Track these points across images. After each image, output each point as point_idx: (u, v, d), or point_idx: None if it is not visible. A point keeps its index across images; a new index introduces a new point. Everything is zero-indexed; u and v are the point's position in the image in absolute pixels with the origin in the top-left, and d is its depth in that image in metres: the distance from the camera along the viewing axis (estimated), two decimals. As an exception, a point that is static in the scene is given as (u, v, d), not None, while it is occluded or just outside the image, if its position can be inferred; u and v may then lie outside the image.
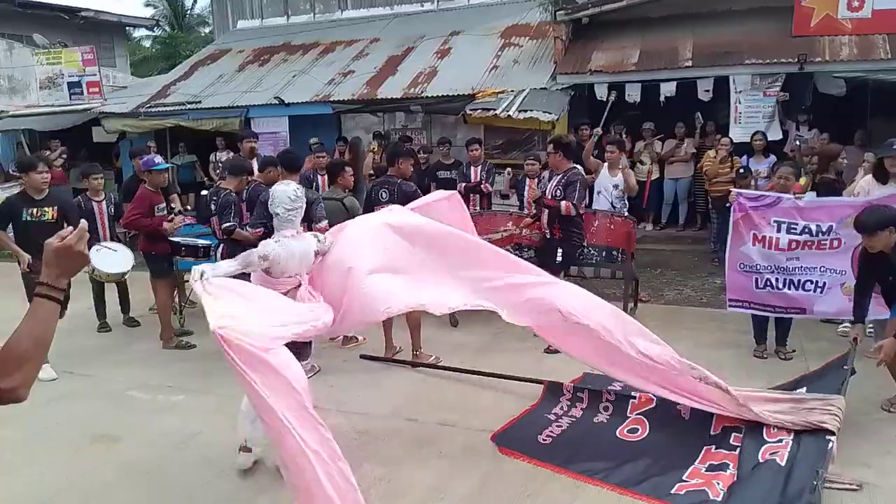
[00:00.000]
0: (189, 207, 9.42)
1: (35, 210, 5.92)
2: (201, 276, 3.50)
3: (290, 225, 4.10)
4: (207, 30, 26.33)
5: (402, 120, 11.52)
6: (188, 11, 29.90)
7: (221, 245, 6.13)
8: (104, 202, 7.03)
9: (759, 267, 5.54)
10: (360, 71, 11.98)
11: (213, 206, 6.17)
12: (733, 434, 4.04)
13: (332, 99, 11.24)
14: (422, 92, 10.72)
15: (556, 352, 5.87)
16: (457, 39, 12.19)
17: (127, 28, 22.71)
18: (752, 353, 5.79)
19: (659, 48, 9.99)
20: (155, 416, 5.04)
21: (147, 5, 28.51)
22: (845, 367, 4.29)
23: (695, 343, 5.91)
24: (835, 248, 5.30)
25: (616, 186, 7.25)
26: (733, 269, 5.66)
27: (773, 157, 8.20)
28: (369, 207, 6.08)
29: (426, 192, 8.72)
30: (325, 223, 5.51)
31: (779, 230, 5.42)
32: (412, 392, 5.36)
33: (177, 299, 7.16)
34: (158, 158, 6.82)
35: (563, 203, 6.12)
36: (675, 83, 9.43)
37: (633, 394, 4.51)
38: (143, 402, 5.33)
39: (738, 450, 3.90)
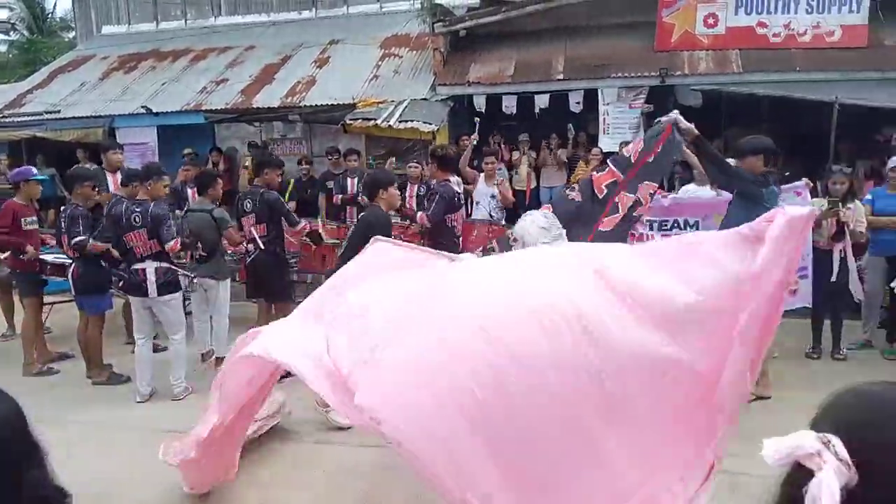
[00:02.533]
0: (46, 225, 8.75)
1: None
2: None
3: None
4: (72, 34, 24.71)
5: (281, 130, 11.24)
6: (49, 15, 27.97)
7: (73, 264, 5.75)
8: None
9: None
10: (234, 79, 11.59)
11: (62, 223, 5.76)
12: None
13: (204, 108, 10.80)
14: (300, 101, 10.50)
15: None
16: (336, 49, 12.04)
17: (-22, 34, 20.93)
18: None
19: (533, 61, 10.28)
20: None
21: (1, 7, 26.45)
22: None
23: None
24: None
25: (493, 197, 7.37)
26: None
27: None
28: (237, 219, 6.02)
29: (312, 201, 8.60)
30: (174, 242, 5.28)
31: (651, 228, 5.70)
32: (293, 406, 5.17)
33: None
34: (35, 169, 6.51)
35: (418, 213, 6.13)
36: (548, 95, 9.72)
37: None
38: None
39: None
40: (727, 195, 5.23)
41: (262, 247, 5.82)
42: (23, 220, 6.05)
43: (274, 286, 5.98)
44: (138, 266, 5.37)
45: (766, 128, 9.88)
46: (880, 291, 6.14)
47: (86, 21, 15.11)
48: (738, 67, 9.33)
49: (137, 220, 5.32)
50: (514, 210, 7.67)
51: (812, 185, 5.65)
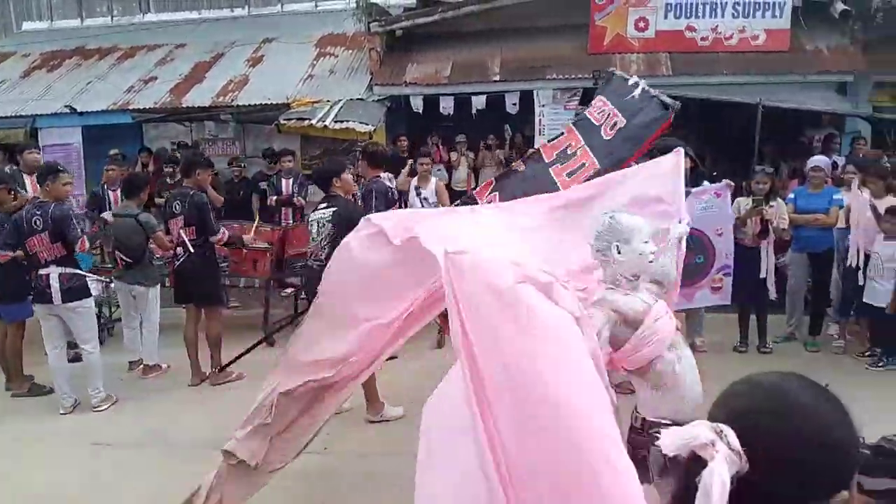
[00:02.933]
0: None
1: None
2: None
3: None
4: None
5: (213, 129, 10.97)
6: (-35, 9, 26.64)
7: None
8: None
9: None
10: (163, 78, 11.24)
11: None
12: None
13: (132, 107, 10.44)
14: (232, 100, 10.26)
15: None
16: (270, 47, 11.81)
17: None
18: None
19: (470, 62, 10.30)
20: None
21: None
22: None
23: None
24: None
25: (426, 199, 7.31)
26: None
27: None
28: (165, 220, 5.80)
29: (244, 203, 8.39)
30: (81, 241, 5.11)
31: None
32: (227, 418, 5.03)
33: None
34: None
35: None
36: (485, 96, 9.76)
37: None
38: None
39: None
40: None
41: (192, 250, 5.60)
42: None
43: (204, 290, 5.75)
44: (42, 272, 5.10)
45: (696, 129, 10.20)
46: (803, 286, 6.38)
47: (4, 17, 14.43)
48: (668, 70, 9.57)
49: (38, 223, 5.06)
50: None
51: (734, 186, 5.82)
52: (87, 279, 5.34)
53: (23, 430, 5.06)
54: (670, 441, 1.01)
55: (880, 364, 5.66)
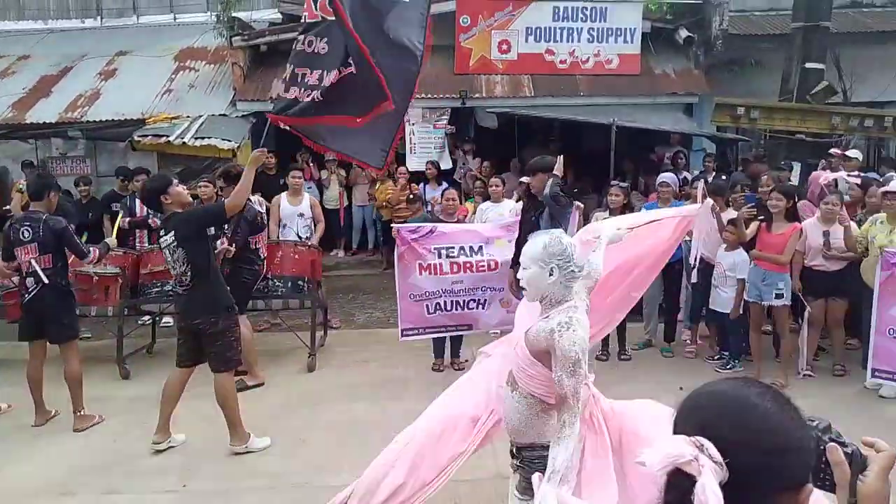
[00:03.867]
0: None
1: None
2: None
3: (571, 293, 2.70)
4: None
5: (61, 147, 10.22)
6: None
7: None
8: None
9: (429, 293, 5.83)
10: (4, 91, 10.42)
11: None
12: None
13: (-34, 123, 9.54)
14: (82, 116, 9.65)
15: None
16: (124, 60, 11.22)
17: None
18: (431, 367, 6.10)
19: (336, 79, 10.21)
20: None
21: None
22: None
23: (381, 364, 6.18)
24: (492, 270, 5.83)
25: (301, 215, 7.16)
26: (405, 299, 5.82)
27: (445, 184, 8.83)
28: (9, 249, 5.14)
29: (94, 224, 7.80)
30: None
31: (440, 256, 5.79)
32: (71, 461, 4.61)
33: None
34: None
35: (218, 241, 5.75)
36: (354, 113, 9.70)
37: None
38: None
39: None
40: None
41: (46, 280, 5.03)
42: None
43: (61, 324, 5.18)
44: None
45: (557, 147, 10.63)
46: (658, 295, 6.76)
47: None
48: (531, 91, 9.95)
49: None
50: (326, 228, 7.54)
51: (582, 207, 6.09)
52: None
53: None
54: (654, 460, 1.03)
55: (728, 367, 6.07)
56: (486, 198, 7.19)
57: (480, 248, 5.83)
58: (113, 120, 9.49)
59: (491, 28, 10.18)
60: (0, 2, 12.64)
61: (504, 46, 10.23)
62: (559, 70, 10.30)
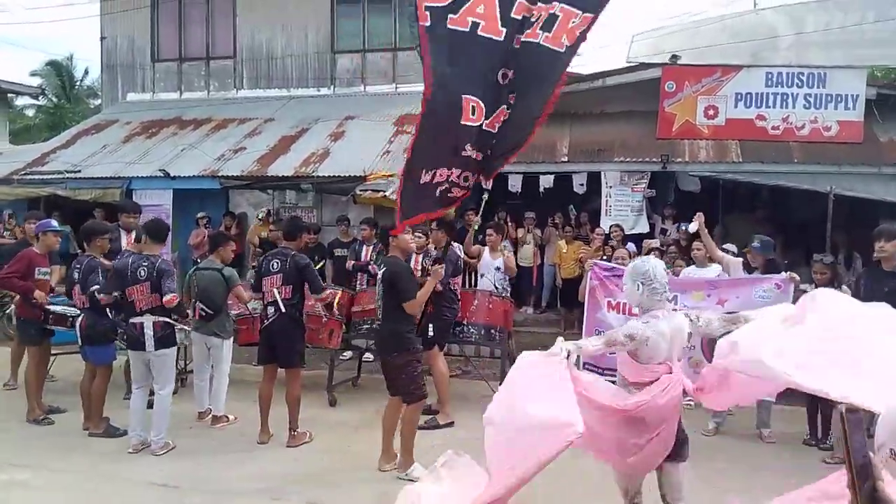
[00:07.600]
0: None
1: None
2: (567, 355, 3.14)
3: (659, 304, 3.57)
4: (98, 102, 25.65)
5: (293, 198, 11.54)
6: (78, 83, 29.15)
7: (81, 315, 5.89)
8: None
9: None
10: (251, 148, 11.98)
11: (76, 274, 5.93)
12: None
13: (220, 174, 11.15)
14: (313, 171, 10.84)
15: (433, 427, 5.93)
16: (351, 124, 12.49)
17: (9, 95, 21.74)
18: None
19: (539, 143, 10.58)
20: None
21: (33, 75, 27.60)
22: None
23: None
24: None
25: (498, 269, 7.50)
26: (590, 335, 5.83)
27: (631, 245, 8.74)
28: (258, 277, 5.89)
29: (319, 269, 8.78)
30: (172, 296, 5.42)
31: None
32: (282, 470, 5.19)
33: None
34: (55, 222, 6.75)
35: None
36: (552, 176, 10.03)
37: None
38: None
39: None
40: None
41: (283, 309, 5.67)
42: (37, 269, 6.22)
43: (291, 351, 5.77)
44: (136, 320, 5.48)
45: (762, 215, 10.15)
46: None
47: (112, 88, 15.73)
48: (738, 157, 9.65)
49: (143, 273, 5.47)
50: (516, 282, 7.81)
51: (798, 280, 5.75)
52: (175, 328, 5.67)
53: (83, 466, 5.30)
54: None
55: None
56: (689, 263, 7.07)
57: (675, 297, 5.67)
58: (339, 176, 10.54)
59: (698, 94, 10.08)
60: (253, 73, 14.70)
61: (711, 112, 10.06)
62: (770, 136, 9.89)
